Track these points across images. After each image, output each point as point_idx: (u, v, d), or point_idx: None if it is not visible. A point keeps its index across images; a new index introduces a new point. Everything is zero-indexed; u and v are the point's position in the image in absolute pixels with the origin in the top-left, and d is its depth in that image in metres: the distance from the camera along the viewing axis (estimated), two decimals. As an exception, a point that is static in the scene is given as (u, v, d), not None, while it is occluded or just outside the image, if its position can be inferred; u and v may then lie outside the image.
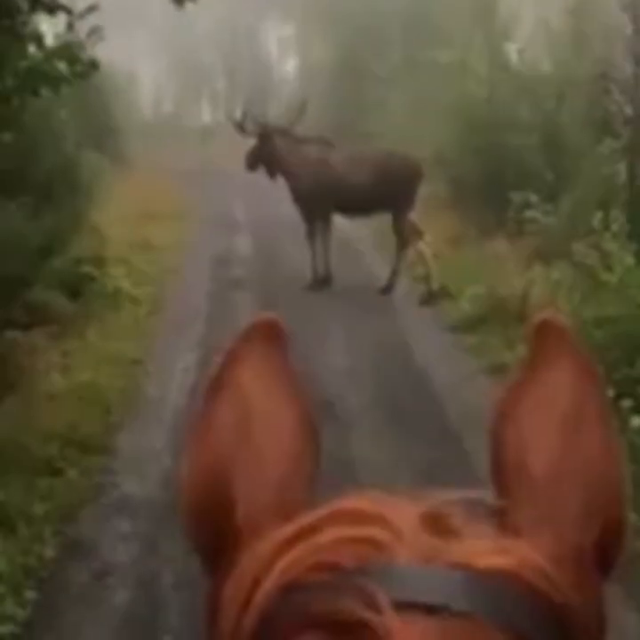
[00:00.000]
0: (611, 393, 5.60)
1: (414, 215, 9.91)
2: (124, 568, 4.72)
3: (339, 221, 10.43)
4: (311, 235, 10.17)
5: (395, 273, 9.75)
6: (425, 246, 9.79)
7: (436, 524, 0.53)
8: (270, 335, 0.66)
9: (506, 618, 0.49)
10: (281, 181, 10.30)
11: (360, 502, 0.54)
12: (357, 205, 9.89)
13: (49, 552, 4.87)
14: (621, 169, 8.47)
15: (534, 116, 10.87)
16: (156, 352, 8.08)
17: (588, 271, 6.79)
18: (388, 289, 9.72)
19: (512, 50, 12.71)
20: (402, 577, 0.50)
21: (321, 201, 9.95)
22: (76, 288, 8.68)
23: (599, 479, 0.60)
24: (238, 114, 10.93)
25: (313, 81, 24.15)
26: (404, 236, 9.79)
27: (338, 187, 9.78)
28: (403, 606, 0.49)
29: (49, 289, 8.27)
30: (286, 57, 31.66)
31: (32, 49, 5.16)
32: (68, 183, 9.23)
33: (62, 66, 5.02)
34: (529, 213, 9.37)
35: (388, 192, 9.64)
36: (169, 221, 13.50)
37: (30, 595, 4.50)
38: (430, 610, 0.49)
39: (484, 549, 0.52)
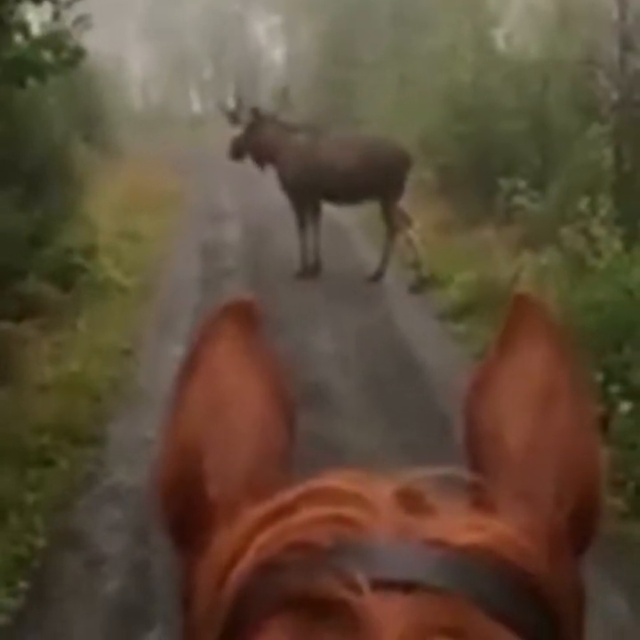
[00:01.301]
0: (599, 377, 5.63)
1: (403, 202, 9.91)
2: (115, 557, 4.73)
3: (328, 208, 10.42)
4: (301, 222, 10.16)
5: (384, 260, 9.75)
6: (414, 233, 9.79)
7: (411, 501, 0.53)
8: (243, 315, 0.67)
9: (482, 593, 0.50)
10: (270, 169, 10.28)
11: (335, 481, 0.54)
12: (346, 193, 9.87)
13: (40, 542, 4.89)
14: (608, 154, 8.48)
15: (521, 102, 10.87)
16: (146, 342, 8.09)
17: (576, 257, 6.81)
18: (377, 276, 9.73)
19: (499, 35, 12.71)
20: (378, 555, 0.50)
21: (309, 189, 9.93)
22: (66, 278, 8.65)
23: (572, 454, 0.61)
24: (230, 103, 10.88)
25: (301, 68, 24.11)
26: (393, 223, 9.79)
27: (326, 174, 9.75)
28: (379, 584, 0.49)
29: (39, 280, 8.25)
30: (274, 44, 31.56)
31: (18, 38, 5.15)
32: (57, 173, 9.20)
33: (48, 55, 5.01)
34: (517, 200, 9.37)
35: (376, 179, 9.63)
36: (158, 210, 13.48)
37: (22, 585, 4.52)
38: (407, 587, 0.49)
39: (459, 526, 0.52)
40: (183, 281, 10.05)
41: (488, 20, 12.69)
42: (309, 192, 9.97)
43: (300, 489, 0.54)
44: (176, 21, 30.83)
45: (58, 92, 9.76)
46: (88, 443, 6.03)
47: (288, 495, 0.54)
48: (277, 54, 30.58)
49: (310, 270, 10.00)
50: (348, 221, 11.80)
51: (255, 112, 10.31)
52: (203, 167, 17.09)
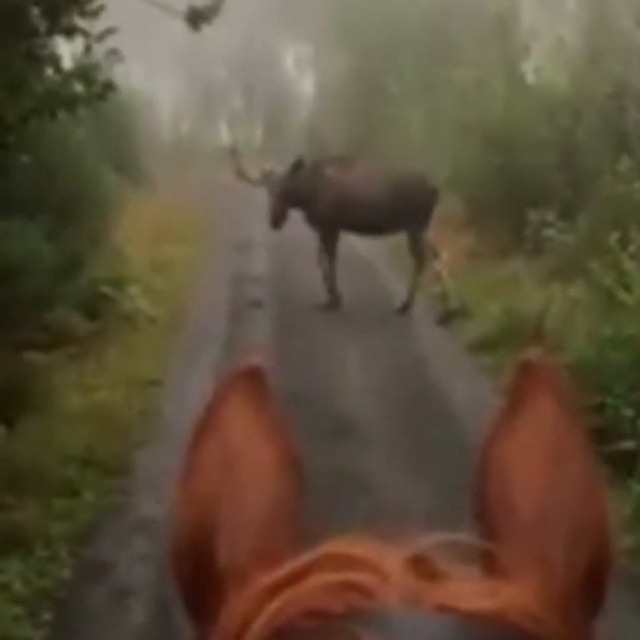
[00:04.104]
0: (629, 413, 5.57)
1: (431, 234, 9.92)
2: (140, 589, 4.71)
3: (356, 240, 10.43)
4: (330, 254, 10.16)
5: (412, 292, 9.74)
6: (441, 265, 9.78)
7: (422, 567, 0.53)
8: (253, 380, 0.67)
9: None
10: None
11: (345, 547, 0.54)
12: (373, 225, 9.90)
13: (66, 573, 4.88)
14: (638, 187, 8.45)
15: (551, 135, 10.86)
16: (173, 372, 8.09)
17: (605, 291, 6.77)
18: (405, 308, 9.71)
19: (529, 68, 12.73)
20: (390, 622, 0.50)
21: (336, 221, 9.96)
22: (94, 309, 8.71)
23: (583, 517, 0.60)
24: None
25: (330, 99, 24.23)
26: (421, 254, 9.80)
27: (353, 206, 9.78)
28: None
29: (67, 310, 8.30)
30: (303, 76, 31.76)
31: (49, 71, 5.21)
32: (86, 204, 9.28)
33: (79, 87, 5.06)
34: (546, 232, 9.35)
35: (404, 211, 9.66)
36: (186, 241, 13.54)
37: (46, 616, 4.51)
38: None
39: (471, 592, 0.52)
40: (211, 312, 10.07)
41: (517, 53, 12.72)
42: (337, 224, 10.00)
43: (310, 555, 0.54)
44: (206, 53, 31.10)
45: (88, 123, 9.85)
46: (115, 473, 6.02)
47: (299, 561, 0.54)
48: (307, 85, 30.76)
49: (335, 302, 10.01)
50: (375, 252, 11.81)
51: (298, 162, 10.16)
52: (231, 198, 17.17)
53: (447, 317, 9.38)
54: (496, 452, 0.64)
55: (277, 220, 10.12)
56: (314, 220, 10.08)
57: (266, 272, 11.78)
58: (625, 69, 10.49)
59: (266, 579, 0.54)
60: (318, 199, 9.90)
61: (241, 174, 10.43)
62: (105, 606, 4.62)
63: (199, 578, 0.59)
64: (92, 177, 9.68)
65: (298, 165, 10.04)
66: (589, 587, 0.58)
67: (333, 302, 9.99)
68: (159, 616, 4.50)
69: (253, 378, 0.67)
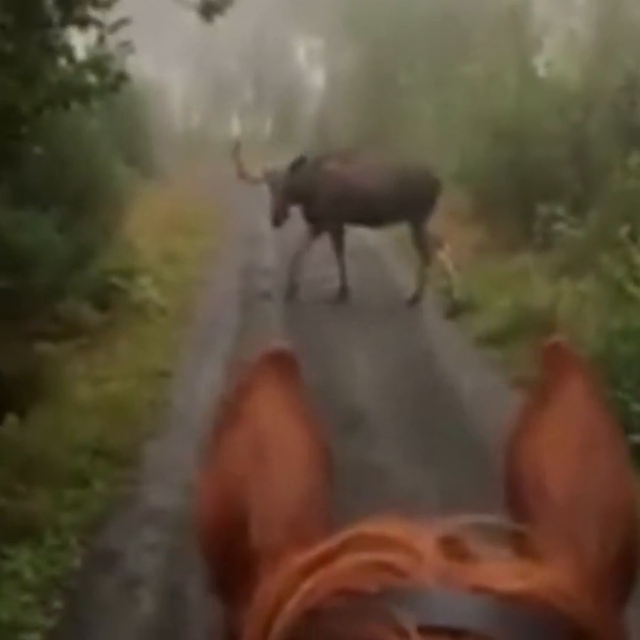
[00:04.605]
0: (637, 407, 5.58)
1: (440, 227, 9.92)
2: (150, 579, 4.74)
3: (364, 232, 10.44)
4: (338, 247, 10.20)
5: (420, 285, 9.75)
6: (445, 257, 9.79)
7: (455, 548, 0.53)
8: (281, 364, 0.67)
9: None
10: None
11: (379, 527, 0.54)
12: (374, 216, 9.92)
13: (76, 562, 4.90)
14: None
15: (562, 128, 10.85)
16: (183, 363, 8.12)
17: (615, 284, 6.77)
18: (414, 301, 9.73)
19: (540, 62, 12.71)
20: (424, 601, 0.50)
21: (339, 214, 9.95)
22: (105, 300, 8.74)
23: (614, 502, 0.60)
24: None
25: (340, 92, 24.21)
26: (425, 246, 9.82)
27: (355, 198, 9.79)
28: (426, 630, 0.48)
29: (78, 300, 8.33)
30: (314, 69, 31.74)
31: (63, 62, 5.22)
32: (98, 195, 9.30)
33: (92, 78, 5.07)
34: (556, 226, 9.34)
35: (406, 202, 9.68)
36: (197, 233, 13.57)
37: (56, 604, 4.54)
38: (455, 634, 0.48)
39: (504, 573, 0.52)
40: (221, 303, 10.10)
41: (529, 46, 12.69)
42: (340, 218, 10.00)
43: (343, 535, 0.54)
44: (217, 45, 31.10)
45: (100, 114, 9.87)
46: (125, 464, 6.05)
47: (332, 542, 0.54)
48: (317, 78, 30.74)
49: (344, 294, 10.04)
50: (383, 243, 11.82)
51: (298, 160, 10.10)
52: (241, 190, 17.17)
53: (455, 310, 9.39)
54: (528, 437, 0.64)
55: (278, 218, 10.12)
56: (316, 215, 10.05)
57: (276, 264, 11.79)
58: (636, 63, 10.47)
59: (299, 559, 0.54)
60: (319, 194, 9.88)
61: (242, 174, 10.38)
62: (114, 595, 4.64)
63: (230, 558, 0.60)
64: (103, 168, 9.71)
65: (299, 163, 10.03)
66: (620, 572, 0.58)
67: (342, 295, 10.01)
68: (168, 606, 4.53)
69: (282, 361, 0.67)
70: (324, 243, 10.22)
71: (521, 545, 0.56)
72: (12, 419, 5.99)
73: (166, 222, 13.28)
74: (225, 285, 10.91)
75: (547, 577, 0.52)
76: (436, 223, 10.29)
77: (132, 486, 5.77)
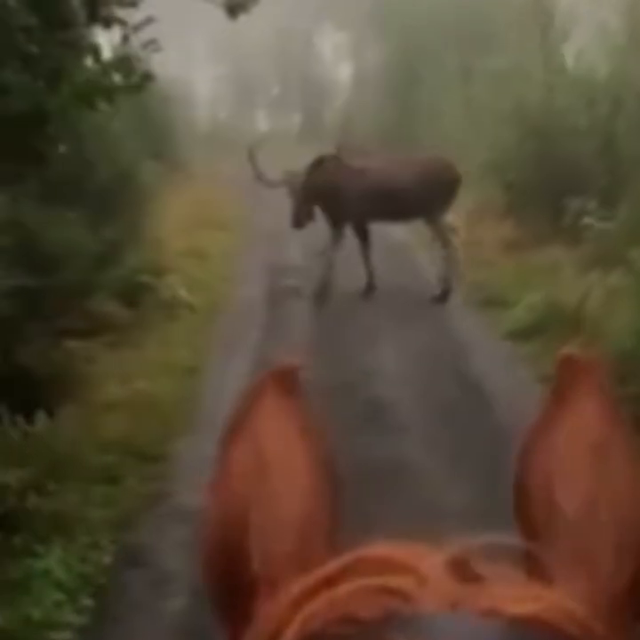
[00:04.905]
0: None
1: (468, 222, 9.90)
2: (180, 576, 4.75)
3: (391, 227, 10.42)
4: (364, 242, 10.19)
5: (447, 278, 9.71)
6: (457, 244, 9.87)
7: (462, 570, 0.51)
8: (286, 382, 0.66)
9: None
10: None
11: (381, 550, 0.52)
12: (398, 211, 9.87)
13: (107, 560, 4.92)
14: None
15: (591, 121, 10.77)
16: (212, 360, 8.13)
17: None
18: (444, 295, 9.69)
19: (569, 53, 12.62)
20: (428, 626, 0.48)
21: (363, 210, 9.91)
22: (133, 297, 8.77)
23: (630, 520, 0.58)
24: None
25: (367, 86, 24.17)
26: (446, 238, 9.80)
27: (378, 193, 9.75)
28: None
29: (107, 298, 8.37)
30: (340, 63, 31.70)
31: (89, 62, 5.24)
32: (125, 193, 9.33)
33: (117, 78, 5.08)
34: (586, 219, 9.28)
35: (428, 196, 9.65)
36: (224, 229, 13.59)
37: (87, 602, 4.55)
38: None
39: (514, 595, 0.50)
40: (249, 299, 10.11)
41: (557, 37, 12.60)
42: (364, 214, 9.96)
43: (345, 559, 0.52)
44: (243, 41, 31.11)
45: (128, 111, 9.90)
46: (154, 461, 6.06)
47: (334, 565, 0.52)
48: (344, 72, 30.70)
49: (371, 290, 10.02)
50: (410, 239, 11.79)
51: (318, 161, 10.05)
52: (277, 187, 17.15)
53: (444, 295, 9.55)
54: (538, 451, 0.63)
55: (300, 221, 10.07)
56: (338, 213, 9.98)
57: (303, 260, 11.79)
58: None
59: (300, 583, 0.53)
60: (341, 191, 9.82)
61: (259, 176, 10.34)
62: (145, 593, 4.66)
63: (231, 581, 0.58)
64: (130, 166, 9.74)
65: (318, 163, 9.97)
66: (634, 594, 0.56)
67: (369, 291, 10.00)
68: (198, 603, 4.53)
69: (286, 378, 0.66)
70: (348, 239, 10.20)
71: (532, 565, 0.55)
72: (41, 417, 6.02)
73: (193, 219, 13.30)
74: (252, 282, 10.91)
75: (558, 600, 0.51)
76: (465, 218, 10.24)
77: (162, 483, 5.79)
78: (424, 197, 9.66)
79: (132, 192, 9.66)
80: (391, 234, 10.96)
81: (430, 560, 0.51)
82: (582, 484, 0.60)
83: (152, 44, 5.22)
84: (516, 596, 0.50)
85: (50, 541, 4.87)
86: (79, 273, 7.59)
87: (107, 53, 5.33)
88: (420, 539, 0.54)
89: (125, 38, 5.21)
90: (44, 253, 7.15)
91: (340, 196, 9.85)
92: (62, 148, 5.57)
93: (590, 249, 9.30)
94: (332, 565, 0.52)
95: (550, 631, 0.49)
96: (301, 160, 10.22)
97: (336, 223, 10.07)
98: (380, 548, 0.53)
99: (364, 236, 10.18)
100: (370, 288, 10.04)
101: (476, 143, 12.68)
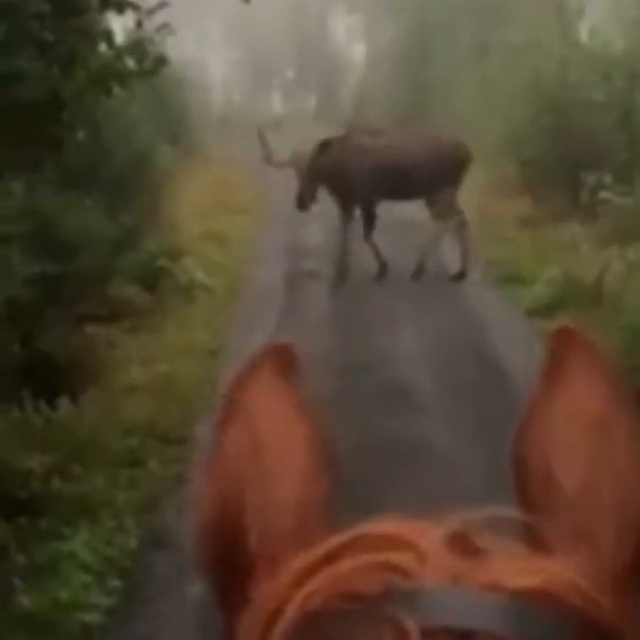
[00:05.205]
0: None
1: (485, 199, 9.87)
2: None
3: (408, 207, 10.40)
4: (369, 224, 10.13)
5: (465, 256, 9.69)
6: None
7: (463, 545, 0.50)
8: (280, 360, 0.65)
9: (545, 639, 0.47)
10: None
11: (382, 527, 0.52)
12: (407, 189, 9.83)
13: (132, 542, 4.96)
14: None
15: (607, 95, 10.72)
16: (231, 342, 8.15)
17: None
18: (462, 274, 9.68)
19: (584, 28, 12.54)
20: (429, 602, 0.47)
21: (372, 189, 9.84)
22: (152, 281, 8.80)
23: (632, 494, 0.57)
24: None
25: (381, 66, 24.09)
26: (458, 215, 9.77)
27: (387, 171, 9.69)
28: (432, 632, 0.46)
29: (125, 283, 8.40)
30: (354, 44, 31.61)
31: (102, 47, 5.25)
32: (141, 178, 9.36)
33: (132, 62, 5.10)
34: (603, 194, 9.24)
35: (438, 174, 9.61)
36: (240, 212, 13.60)
37: (114, 583, 4.60)
38: (462, 635, 0.46)
39: (515, 569, 0.49)
40: (267, 282, 10.12)
41: (572, 11, 12.52)
42: (373, 192, 9.91)
43: (345, 535, 0.52)
44: (258, 23, 31.05)
45: (143, 95, 9.91)
46: (177, 443, 6.09)
47: (334, 542, 0.52)
48: (358, 53, 30.61)
49: (383, 270, 9.97)
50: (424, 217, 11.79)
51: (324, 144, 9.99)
52: (284, 168, 17.13)
53: (419, 272, 9.59)
54: (535, 424, 0.61)
55: (305, 202, 10.04)
56: (347, 192, 9.92)
57: (319, 243, 11.78)
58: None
59: (299, 560, 0.52)
60: (350, 171, 9.75)
61: (268, 158, 10.30)
62: (170, 575, 4.69)
63: (229, 562, 0.57)
64: (146, 151, 9.76)
65: (325, 145, 9.90)
66: (637, 569, 0.55)
67: (382, 271, 9.95)
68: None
69: (281, 357, 0.65)
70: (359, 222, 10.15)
71: (534, 539, 0.54)
72: (64, 402, 6.06)
73: (209, 202, 13.32)
74: (269, 264, 10.92)
75: (560, 572, 0.50)
76: (482, 195, 10.20)
77: (185, 465, 5.82)
78: (434, 175, 9.63)
79: (148, 177, 9.69)
80: (402, 212, 10.90)
81: (431, 535, 0.51)
82: (581, 461, 0.58)
83: (165, 28, 5.23)
84: (518, 569, 0.49)
85: (76, 525, 4.92)
86: (97, 259, 7.62)
87: (120, 39, 5.35)
88: (423, 514, 0.53)
89: (139, 23, 5.22)
90: (61, 240, 7.18)
91: (347, 177, 9.79)
92: (79, 135, 5.59)
93: (608, 224, 9.26)
94: (332, 542, 0.52)
95: (553, 603, 0.48)
96: (316, 140, 10.20)
97: (345, 205, 10.03)
98: (380, 525, 0.52)
99: (370, 218, 10.10)
100: (382, 271, 9.98)
101: (491, 119, 12.64)
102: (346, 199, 9.98)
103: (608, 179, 9.32)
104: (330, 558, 0.51)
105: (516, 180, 11.92)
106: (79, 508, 5.09)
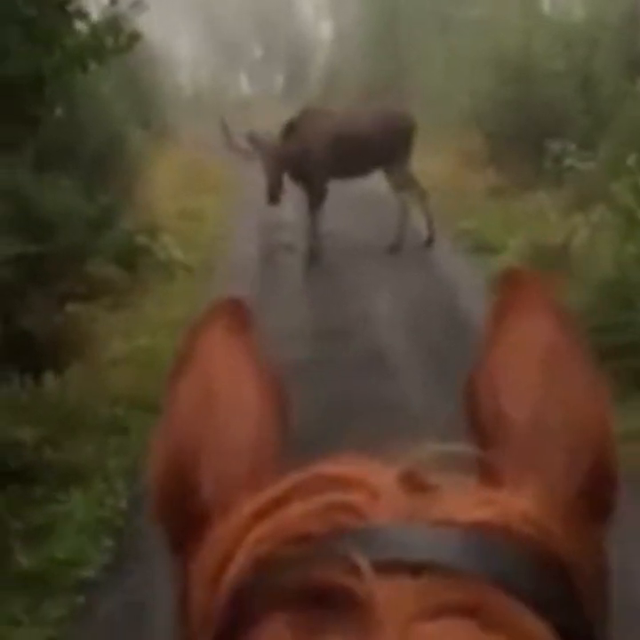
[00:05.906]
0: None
1: (451, 170, 10.02)
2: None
3: (371, 181, 10.53)
4: (317, 202, 10.12)
5: (430, 224, 9.87)
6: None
7: (415, 482, 0.50)
8: (232, 314, 0.66)
9: (498, 570, 0.46)
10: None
11: (332, 468, 0.51)
12: (361, 165, 9.93)
13: (123, 504, 5.16)
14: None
15: (568, 64, 10.90)
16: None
17: (626, 212, 6.88)
18: (429, 242, 9.88)
19: (546, -1, 12.72)
20: (381, 538, 0.47)
21: (331, 164, 9.86)
22: (130, 259, 8.89)
23: (581, 421, 0.57)
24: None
25: (348, 43, 24.15)
26: (416, 185, 9.92)
27: (346, 144, 9.75)
28: (384, 568, 0.45)
29: (104, 262, 8.50)
30: (321, 21, 31.60)
31: (79, 25, 5.35)
32: (115, 157, 9.46)
33: (108, 39, 5.20)
34: (568, 161, 9.43)
35: (387, 146, 9.77)
36: (213, 191, 13.70)
37: (108, 542, 4.81)
38: (415, 569, 0.46)
39: (467, 503, 0.49)
40: (243, 257, 10.26)
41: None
42: (332, 173, 9.92)
43: (294, 478, 0.51)
44: (223, 2, 30.97)
45: (113, 76, 9.99)
46: (159, 411, 6.23)
47: (282, 485, 0.51)
48: (325, 31, 30.62)
49: (314, 255, 9.91)
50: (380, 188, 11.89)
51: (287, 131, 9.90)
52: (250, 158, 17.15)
53: (397, 246, 9.74)
54: (486, 359, 0.61)
55: (275, 194, 9.86)
56: (307, 175, 9.90)
57: (294, 217, 11.92)
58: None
59: (250, 504, 0.52)
60: (313, 147, 9.74)
61: (232, 146, 10.29)
62: (160, 534, 4.87)
63: (184, 513, 0.57)
64: (119, 130, 9.85)
65: (289, 130, 9.88)
66: (593, 494, 0.55)
67: (313, 256, 9.86)
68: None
69: (234, 311, 0.66)
70: (334, 193, 10.26)
71: (486, 473, 0.54)
72: (49, 377, 6.22)
73: (182, 182, 13.41)
74: (245, 240, 11.07)
75: (511, 503, 0.50)
76: (450, 166, 10.37)
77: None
78: (384, 147, 9.78)
79: (122, 156, 9.78)
80: (363, 184, 11.00)
81: (382, 474, 0.51)
82: (531, 392, 0.58)
83: (138, 5, 5.35)
84: (471, 503, 0.49)
85: (68, 490, 5.13)
86: (76, 238, 7.71)
87: (94, 15, 5.45)
88: (379, 455, 0.53)
89: (113, 0, 5.34)
90: (40, 220, 7.28)
91: (312, 159, 9.79)
92: (58, 112, 5.70)
93: (573, 190, 9.45)
94: (281, 485, 0.51)
95: (507, 535, 0.48)
96: (283, 122, 10.27)
97: (312, 188, 10.02)
98: (331, 466, 0.52)
99: (321, 197, 10.04)
100: (313, 253, 9.85)
101: (457, 93, 12.80)
102: (313, 183, 9.99)
103: (571, 146, 9.50)
104: (278, 501, 0.50)
105: (483, 151, 12.09)
106: (71, 474, 5.29)
